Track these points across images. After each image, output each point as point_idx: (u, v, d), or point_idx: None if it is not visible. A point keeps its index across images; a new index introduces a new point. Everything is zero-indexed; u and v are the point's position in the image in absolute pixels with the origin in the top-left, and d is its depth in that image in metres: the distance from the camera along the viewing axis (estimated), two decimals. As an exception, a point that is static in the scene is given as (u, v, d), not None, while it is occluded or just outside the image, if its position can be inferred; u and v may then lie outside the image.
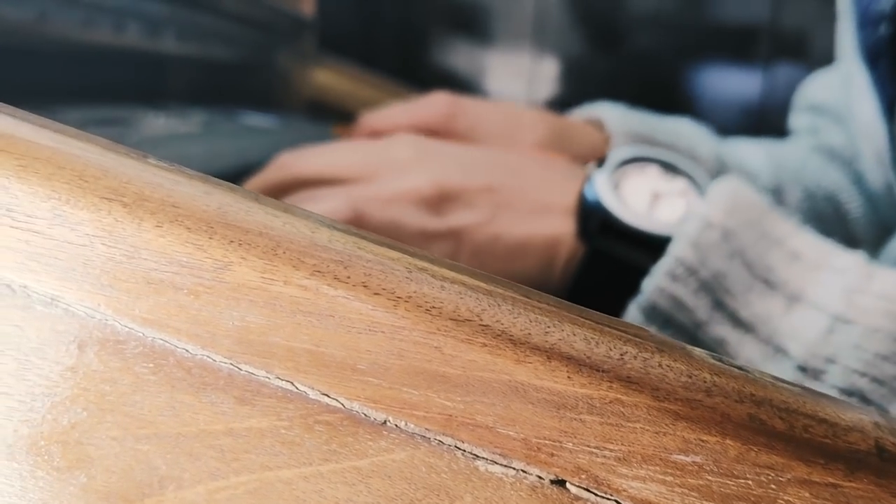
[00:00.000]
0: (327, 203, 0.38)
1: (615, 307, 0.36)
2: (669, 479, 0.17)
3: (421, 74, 1.28)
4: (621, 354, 0.17)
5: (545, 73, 1.33)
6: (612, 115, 0.52)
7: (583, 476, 0.17)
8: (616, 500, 0.17)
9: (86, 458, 0.18)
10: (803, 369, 0.33)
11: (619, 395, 0.17)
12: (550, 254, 0.39)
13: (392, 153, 0.41)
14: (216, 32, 0.95)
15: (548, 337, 0.17)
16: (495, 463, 0.17)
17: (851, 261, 0.35)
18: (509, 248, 0.39)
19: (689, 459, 0.17)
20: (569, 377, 0.17)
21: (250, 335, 0.17)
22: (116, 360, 0.18)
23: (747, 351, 0.34)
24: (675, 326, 0.35)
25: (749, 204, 0.36)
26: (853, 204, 0.51)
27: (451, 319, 0.17)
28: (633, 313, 0.36)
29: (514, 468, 0.17)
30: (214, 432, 0.18)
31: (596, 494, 0.17)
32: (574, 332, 0.17)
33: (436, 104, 0.49)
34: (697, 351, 0.18)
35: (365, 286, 0.17)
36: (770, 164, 0.53)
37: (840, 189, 0.52)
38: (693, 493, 0.17)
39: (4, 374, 0.18)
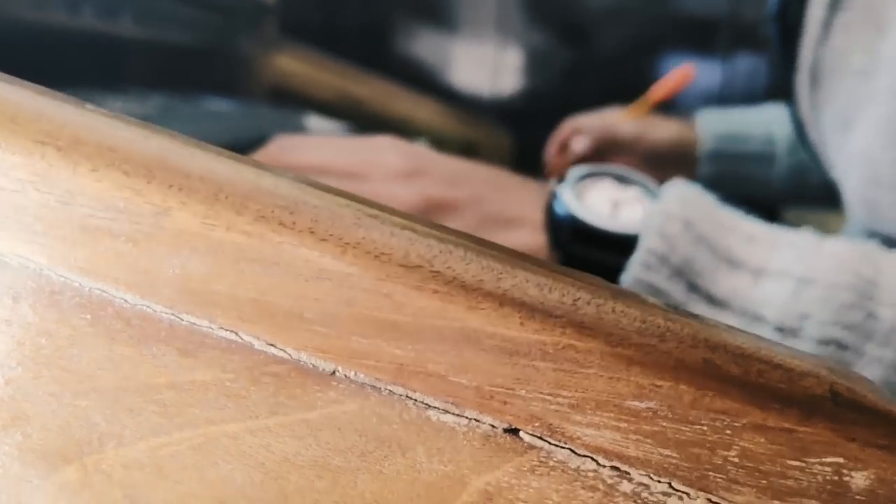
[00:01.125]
0: None
1: None
2: (624, 425, 0.17)
3: (384, 62, 1.27)
4: (574, 300, 0.17)
5: (509, 64, 1.33)
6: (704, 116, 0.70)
7: (536, 424, 0.17)
8: (570, 449, 0.17)
9: (21, 415, 0.17)
10: (781, 329, 0.35)
11: (572, 341, 0.16)
12: None
13: (383, 158, 0.43)
14: (176, 16, 0.94)
15: (500, 283, 0.17)
16: (447, 412, 0.17)
17: (801, 234, 0.38)
18: None
19: (643, 405, 0.17)
20: (521, 323, 0.16)
21: (192, 284, 0.16)
22: (52, 311, 0.17)
23: None
24: None
25: (699, 199, 0.39)
26: None
27: (402, 266, 0.16)
28: None
29: (466, 417, 0.17)
30: (156, 386, 0.17)
31: (549, 443, 0.17)
32: (527, 279, 0.17)
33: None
34: (652, 299, 0.18)
35: (312, 232, 0.16)
36: None
37: None
38: (648, 440, 0.17)
39: (-66, 328, 0.17)
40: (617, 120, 0.72)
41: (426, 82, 1.28)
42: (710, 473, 0.17)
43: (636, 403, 0.17)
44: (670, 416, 0.17)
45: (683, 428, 0.17)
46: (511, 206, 0.43)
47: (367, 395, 0.17)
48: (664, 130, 0.72)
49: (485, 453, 0.17)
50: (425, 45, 1.33)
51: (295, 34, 1.18)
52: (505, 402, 0.17)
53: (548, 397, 0.17)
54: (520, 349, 0.16)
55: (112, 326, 0.17)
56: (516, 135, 1.25)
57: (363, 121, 1.19)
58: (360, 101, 1.20)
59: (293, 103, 1.15)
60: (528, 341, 0.16)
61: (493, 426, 0.17)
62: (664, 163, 0.71)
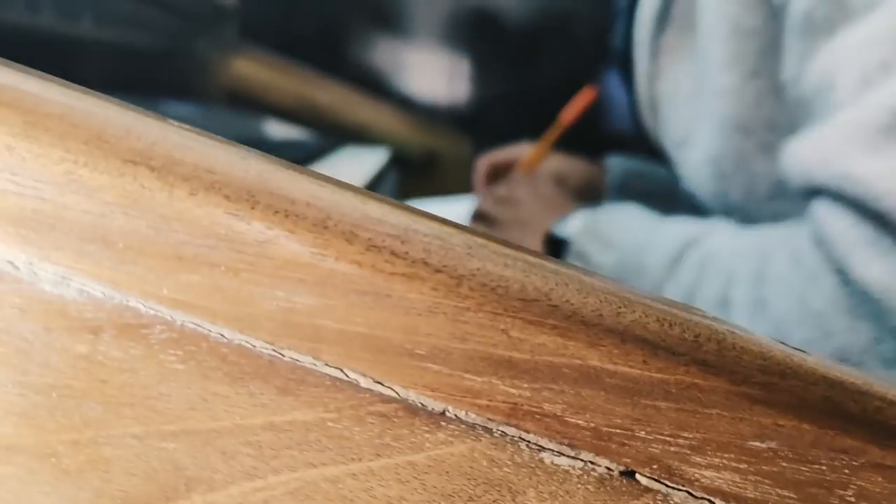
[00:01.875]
0: None
1: None
2: (743, 466, 0.16)
3: (341, 67, 1.26)
4: (695, 336, 0.16)
5: (462, 72, 1.32)
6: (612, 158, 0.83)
7: (654, 466, 0.16)
8: (688, 491, 0.16)
9: (100, 459, 0.16)
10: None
11: (696, 380, 0.16)
12: None
13: None
14: (135, 17, 0.91)
15: (620, 318, 0.16)
16: (562, 454, 0.16)
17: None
18: None
19: (764, 445, 0.16)
20: (644, 361, 0.16)
21: (296, 317, 0.15)
22: (139, 346, 0.15)
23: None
24: None
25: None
26: None
27: (519, 299, 0.16)
28: None
29: (582, 460, 0.16)
30: (252, 427, 0.16)
31: (667, 485, 0.16)
32: (646, 313, 0.16)
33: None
34: (761, 335, 0.18)
35: (425, 263, 0.15)
36: None
37: None
38: (767, 481, 0.16)
39: (5, 363, 0.15)
40: (531, 158, 0.80)
41: (382, 88, 1.27)
42: (827, 514, 0.16)
43: (757, 443, 0.16)
44: (791, 455, 0.16)
45: (803, 468, 0.16)
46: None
47: (478, 437, 0.16)
48: (578, 172, 0.82)
49: (599, 497, 0.16)
50: (380, 50, 1.32)
51: (253, 38, 1.15)
52: (623, 444, 0.16)
53: (668, 438, 0.16)
54: (642, 388, 0.16)
55: (206, 363, 0.15)
56: (476, 143, 1.25)
57: (323, 127, 1.18)
58: (320, 108, 1.18)
59: (251, 108, 1.13)
60: (651, 380, 0.16)
61: (609, 469, 0.16)
62: (575, 198, 0.79)
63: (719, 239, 0.50)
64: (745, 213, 0.56)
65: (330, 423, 0.16)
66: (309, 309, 0.15)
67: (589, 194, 0.82)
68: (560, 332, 0.16)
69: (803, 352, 0.17)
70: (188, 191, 0.15)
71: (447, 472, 0.16)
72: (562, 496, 0.16)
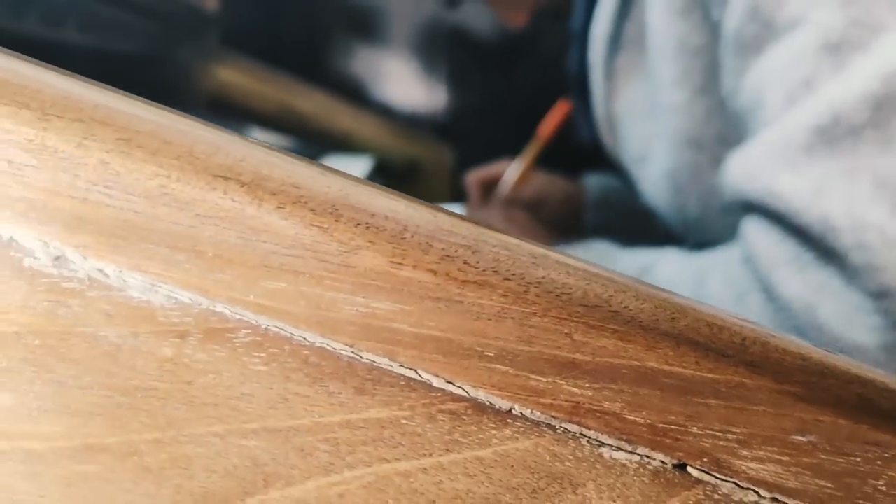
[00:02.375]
0: None
1: None
2: (785, 458, 0.17)
3: (321, 74, 1.26)
4: (742, 340, 0.17)
5: (440, 82, 1.34)
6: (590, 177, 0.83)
7: (705, 459, 0.17)
8: (735, 482, 0.17)
9: (182, 457, 0.17)
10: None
11: (743, 380, 0.17)
12: None
13: None
14: (118, 24, 0.91)
15: (675, 323, 0.17)
16: (620, 449, 0.17)
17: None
18: None
19: (804, 439, 0.17)
20: (697, 363, 0.17)
21: (375, 321, 0.16)
22: (223, 349, 0.16)
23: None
24: None
25: None
26: None
27: (582, 305, 0.17)
28: None
29: (638, 454, 0.17)
30: (329, 425, 0.17)
31: (716, 477, 0.17)
32: (697, 318, 0.17)
33: None
34: (796, 339, 0.19)
35: (495, 271, 0.16)
36: None
37: None
38: (807, 472, 0.17)
39: (92, 366, 0.16)
40: (516, 178, 0.82)
41: (363, 97, 1.28)
42: (861, 502, 0.18)
43: (798, 438, 0.17)
44: (829, 448, 0.17)
45: (839, 460, 0.17)
46: None
47: (542, 433, 0.17)
48: (559, 191, 0.83)
49: (653, 489, 0.17)
50: (360, 58, 1.32)
51: (235, 45, 1.15)
52: (677, 439, 0.17)
53: (717, 433, 0.17)
54: (694, 388, 0.17)
55: (288, 365, 0.16)
56: (457, 150, 1.26)
57: (305, 135, 1.18)
58: (302, 116, 1.19)
59: (234, 116, 1.13)
60: (703, 380, 0.17)
61: (663, 462, 0.17)
62: (557, 216, 0.82)
63: (666, 268, 0.51)
64: (704, 228, 0.57)
65: (403, 421, 0.17)
66: (386, 314, 0.16)
67: (570, 212, 0.83)
68: (620, 335, 0.17)
69: (837, 353, 0.19)
70: (276, 204, 0.16)
71: (512, 467, 0.17)
72: (619, 488, 0.17)
